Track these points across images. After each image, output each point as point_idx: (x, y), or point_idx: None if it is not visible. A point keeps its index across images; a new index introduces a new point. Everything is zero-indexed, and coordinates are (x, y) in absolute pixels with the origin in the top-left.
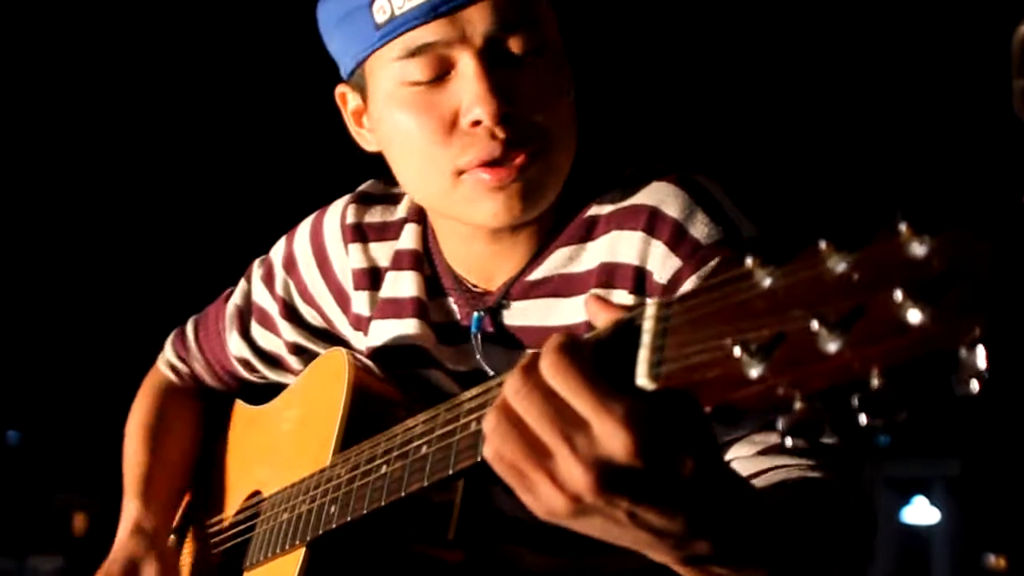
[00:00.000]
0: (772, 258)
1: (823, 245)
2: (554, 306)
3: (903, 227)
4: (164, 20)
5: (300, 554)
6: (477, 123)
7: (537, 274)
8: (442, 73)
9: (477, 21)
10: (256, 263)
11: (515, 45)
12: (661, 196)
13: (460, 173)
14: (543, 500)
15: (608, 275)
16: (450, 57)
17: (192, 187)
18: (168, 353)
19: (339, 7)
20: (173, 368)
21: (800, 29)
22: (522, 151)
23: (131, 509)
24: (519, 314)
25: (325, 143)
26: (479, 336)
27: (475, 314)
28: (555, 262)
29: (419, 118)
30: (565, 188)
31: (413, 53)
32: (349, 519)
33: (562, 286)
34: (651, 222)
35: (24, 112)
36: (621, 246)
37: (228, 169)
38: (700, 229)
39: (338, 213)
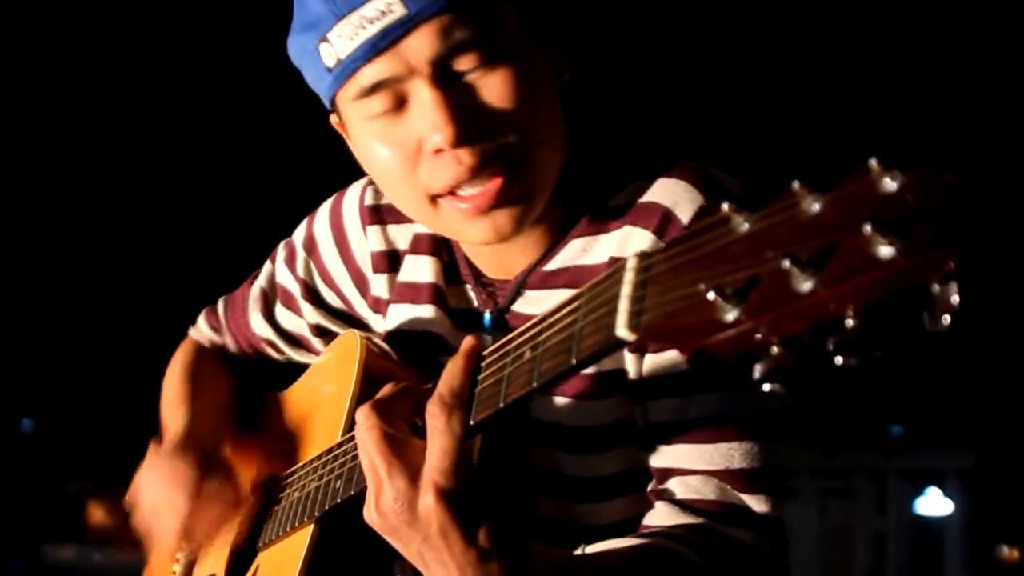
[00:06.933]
0: (749, 204)
1: (796, 186)
2: None
3: (874, 163)
4: (188, 15)
5: (309, 530)
6: (440, 150)
7: (553, 264)
8: (401, 102)
9: (421, 49)
10: (281, 245)
11: (467, 62)
12: (676, 197)
13: (435, 198)
14: (369, 499)
15: None
16: (404, 88)
17: (198, 187)
18: (202, 326)
19: (296, 48)
20: (207, 338)
21: None
22: (495, 173)
23: (180, 413)
24: (535, 303)
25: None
26: (491, 338)
27: (486, 315)
28: (570, 252)
29: (387, 149)
30: (578, 177)
31: (367, 92)
32: (353, 492)
33: (577, 277)
34: (663, 224)
35: (70, 105)
36: (632, 243)
37: (232, 171)
38: None
39: (357, 195)
